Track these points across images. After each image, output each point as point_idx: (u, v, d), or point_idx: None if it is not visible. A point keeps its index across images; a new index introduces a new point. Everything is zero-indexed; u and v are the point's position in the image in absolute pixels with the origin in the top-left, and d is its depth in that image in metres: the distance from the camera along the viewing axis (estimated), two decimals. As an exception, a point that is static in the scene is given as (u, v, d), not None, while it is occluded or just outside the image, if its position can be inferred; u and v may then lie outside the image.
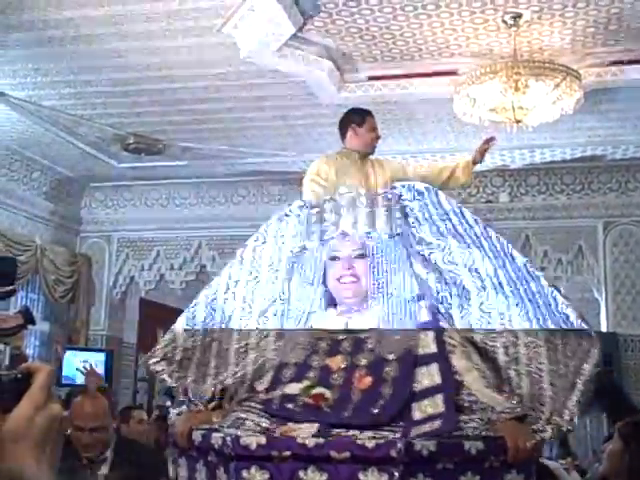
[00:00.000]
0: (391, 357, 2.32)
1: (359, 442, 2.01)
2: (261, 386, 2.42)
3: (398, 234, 2.55)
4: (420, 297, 2.49)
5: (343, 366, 2.34)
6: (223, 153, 8.09)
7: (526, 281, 2.38)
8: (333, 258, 2.54)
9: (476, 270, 2.44)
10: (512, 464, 2.09)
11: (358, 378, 2.29)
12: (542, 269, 8.60)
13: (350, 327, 2.47)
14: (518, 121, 5.37)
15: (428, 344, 2.35)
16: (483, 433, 2.13)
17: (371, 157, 4.66)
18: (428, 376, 2.27)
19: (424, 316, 2.43)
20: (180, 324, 2.60)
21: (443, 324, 2.43)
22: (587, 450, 7.53)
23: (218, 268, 9.25)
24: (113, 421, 3.06)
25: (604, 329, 8.20)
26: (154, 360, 2.53)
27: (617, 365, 7.75)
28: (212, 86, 6.43)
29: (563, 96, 5.33)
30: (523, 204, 8.56)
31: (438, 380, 2.26)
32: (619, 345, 7.93)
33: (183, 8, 5.21)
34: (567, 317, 2.29)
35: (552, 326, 2.32)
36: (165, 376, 2.50)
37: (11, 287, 5.12)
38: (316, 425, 2.14)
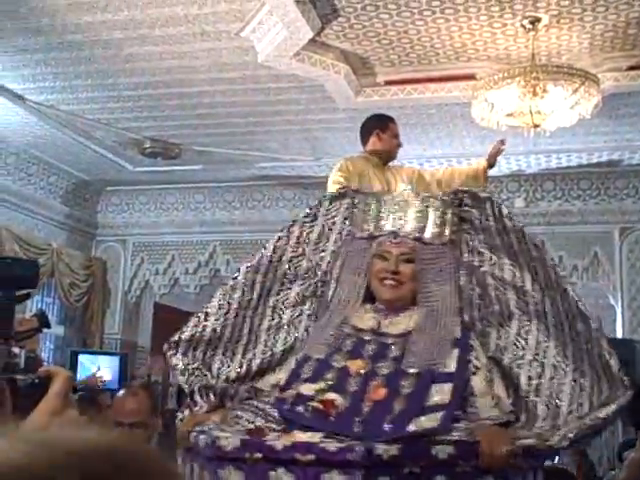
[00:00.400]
0: (411, 371, 2.29)
1: (321, 445, 2.04)
2: (279, 376, 2.43)
3: (452, 241, 2.49)
4: (459, 311, 2.43)
5: (362, 372, 2.32)
6: (239, 157, 8.11)
7: (574, 317, 2.31)
8: (380, 256, 2.49)
9: (524, 293, 2.39)
10: (486, 470, 2.06)
11: (373, 388, 2.28)
12: (558, 275, 8.58)
13: (381, 329, 2.43)
14: (536, 126, 5.35)
15: (450, 362, 2.30)
16: (456, 437, 2.11)
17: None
18: (439, 394, 2.24)
19: (458, 332, 2.37)
20: (216, 300, 2.57)
21: (474, 342, 2.37)
22: (602, 456, 7.48)
23: (232, 272, 9.22)
24: (157, 418, 3.06)
25: (620, 336, 8.16)
26: (171, 352, 2.52)
27: (633, 372, 7.69)
28: (229, 90, 6.45)
29: (581, 101, 5.31)
30: (539, 209, 8.53)
31: (447, 400, 2.23)
32: (635, 352, 7.87)
33: (202, 12, 5.23)
34: (608, 366, 2.23)
35: (587, 368, 2.27)
36: (180, 365, 2.48)
37: (26, 291, 5.16)
38: (319, 435, 2.14)
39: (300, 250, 2.60)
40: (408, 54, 5.86)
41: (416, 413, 2.19)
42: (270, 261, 2.59)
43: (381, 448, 2.00)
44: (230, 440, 2.10)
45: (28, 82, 6.40)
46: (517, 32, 5.42)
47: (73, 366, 7.86)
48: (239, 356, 2.50)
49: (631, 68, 5.94)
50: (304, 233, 2.61)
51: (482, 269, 2.44)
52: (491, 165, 4.77)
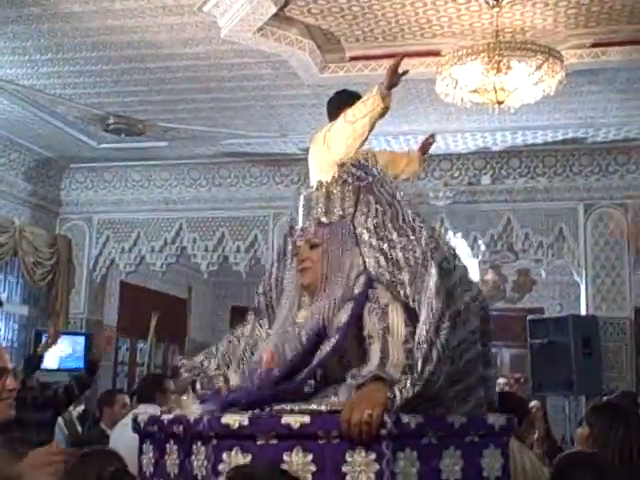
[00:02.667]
0: (302, 333, 2.34)
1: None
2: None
3: (342, 217, 2.55)
4: (360, 274, 2.44)
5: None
6: (204, 134, 8.03)
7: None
8: (297, 253, 2.57)
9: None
10: (351, 439, 1.98)
11: (266, 358, 2.35)
12: (523, 251, 8.65)
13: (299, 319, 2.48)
14: (500, 102, 5.35)
15: (342, 315, 2.32)
16: (314, 407, 2.14)
17: None
18: (324, 349, 2.28)
19: (358, 288, 2.38)
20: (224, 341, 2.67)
21: (374, 291, 2.35)
22: (565, 433, 7.59)
23: (199, 250, 9.23)
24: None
25: (584, 312, 8.26)
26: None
27: (596, 348, 7.80)
28: (193, 66, 6.37)
29: (545, 77, 5.31)
30: (505, 186, 8.57)
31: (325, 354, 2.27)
32: (599, 328, 7.98)
33: (163, -15, 5.15)
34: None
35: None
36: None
37: None
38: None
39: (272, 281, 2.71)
40: (373, 30, 5.82)
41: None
42: (266, 304, 2.70)
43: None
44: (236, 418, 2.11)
45: (-14, 56, 6.27)
46: (481, 8, 5.40)
47: (37, 346, 7.79)
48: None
49: (595, 45, 5.96)
50: (279, 275, 2.70)
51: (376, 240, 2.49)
52: (424, 153, 4.97)
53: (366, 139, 4.03)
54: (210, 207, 9.06)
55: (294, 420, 2.03)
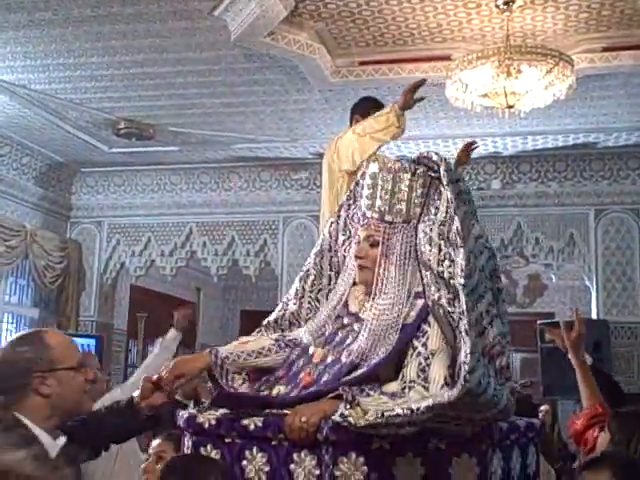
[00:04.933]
0: (344, 360, 2.28)
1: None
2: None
3: (407, 221, 2.37)
4: (417, 296, 2.29)
5: (317, 361, 2.36)
6: (214, 138, 8.05)
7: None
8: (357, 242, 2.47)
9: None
10: (294, 442, 2.12)
11: (303, 377, 2.32)
12: (533, 256, 8.62)
13: (361, 313, 2.38)
14: (510, 106, 5.34)
15: (385, 347, 2.23)
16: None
17: None
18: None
19: (411, 317, 2.25)
20: (294, 286, 2.64)
21: (432, 332, 2.20)
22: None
23: (209, 254, 9.25)
24: None
25: (595, 316, 8.22)
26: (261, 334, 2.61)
27: (607, 352, 7.76)
28: (203, 70, 6.38)
29: (555, 82, 5.29)
30: (515, 191, 8.55)
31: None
32: (609, 332, 7.94)
33: (174, -10, 5.16)
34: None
35: None
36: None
37: None
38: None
39: (348, 233, 2.60)
40: (383, 34, 5.82)
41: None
42: (329, 246, 2.61)
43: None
44: (207, 417, 2.26)
45: (-2, 61, 6.31)
46: (492, 13, 5.39)
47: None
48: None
49: (606, 49, 5.94)
50: (350, 215, 2.60)
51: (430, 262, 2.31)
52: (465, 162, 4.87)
53: (373, 154, 4.00)
54: (220, 211, 9.08)
55: (250, 422, 2.21)
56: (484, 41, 5.76)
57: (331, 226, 2.62)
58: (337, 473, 2.07)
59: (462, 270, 2.17)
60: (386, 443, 2.06)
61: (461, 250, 2.20)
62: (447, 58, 5.94)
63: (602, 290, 8.24)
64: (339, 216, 2.61)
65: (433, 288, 2.25)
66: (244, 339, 2.57)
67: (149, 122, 7.61)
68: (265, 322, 2.62)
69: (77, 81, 6.67)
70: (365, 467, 2.05)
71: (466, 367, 2.03)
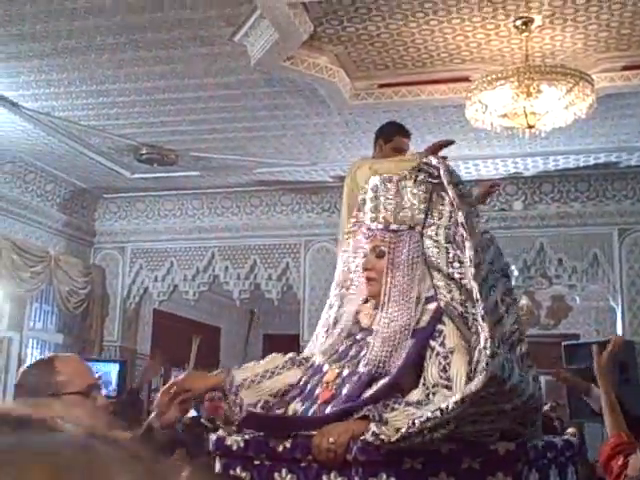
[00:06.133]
0: (361, 370, 2.25)
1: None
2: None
3: (411, 227, 2.37)
4: (429, 300, 2.29)
5: (332, 379, 2.33)
6: (236, 163, 8.10)
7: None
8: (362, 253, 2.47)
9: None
10: (323, 463, 2.09)
11: (322, 392, 2.29)
12: (557, 277, 8.55)
13: (372, 326, 2.35)
14: (530, 127, 5.33)
15: (401, 353, 2.21)
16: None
17: None
18: (372, 390, 2.21)
19: (424, 321, 2.24)
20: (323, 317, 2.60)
21: (444, 326, 2.21)
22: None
23: (231, 278, 9.28)
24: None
25: (620, 337, 8.13)
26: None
27: (634, 374, 7.65)
28: (224, 95, 6.44)
29: (576, 101, 5.28)
30: (537, 212, 8.51)
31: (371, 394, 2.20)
32: (636, 354, 7.83)
33: (194, 17, 5.22)
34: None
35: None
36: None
37: None
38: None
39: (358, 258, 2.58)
40: (402, 57, 5.84)
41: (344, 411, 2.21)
42: (344, 278, 2.59)
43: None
44: (235, 440, 2.26)
45: (23, 89, 6.40)
46: (510, 33, 5.41)
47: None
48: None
49: (626, 68, 5.92)
50: (357, 238, 2.58)
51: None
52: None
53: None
54: (242, 235, 9.11)
55: (279, 443, 2.21)
56: (503, 61, 5.76)
57: (343, 256, 2.62)
58: None
59: (471, 260, 2.18)
60: (417, 463, 2.02)
61: (467, 244, 2.21)
62: (466, 79, 5.95)
63: (627, 311, 8.15)
64: (349, 244, 2.60)
65: (445, 290, 2.26)
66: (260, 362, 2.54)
67: (171, 148, 7.68)
68: (299, 358, 2.56)
69: (100, 108, 6.76)
70: None
71: (487, 351, 2.02)
